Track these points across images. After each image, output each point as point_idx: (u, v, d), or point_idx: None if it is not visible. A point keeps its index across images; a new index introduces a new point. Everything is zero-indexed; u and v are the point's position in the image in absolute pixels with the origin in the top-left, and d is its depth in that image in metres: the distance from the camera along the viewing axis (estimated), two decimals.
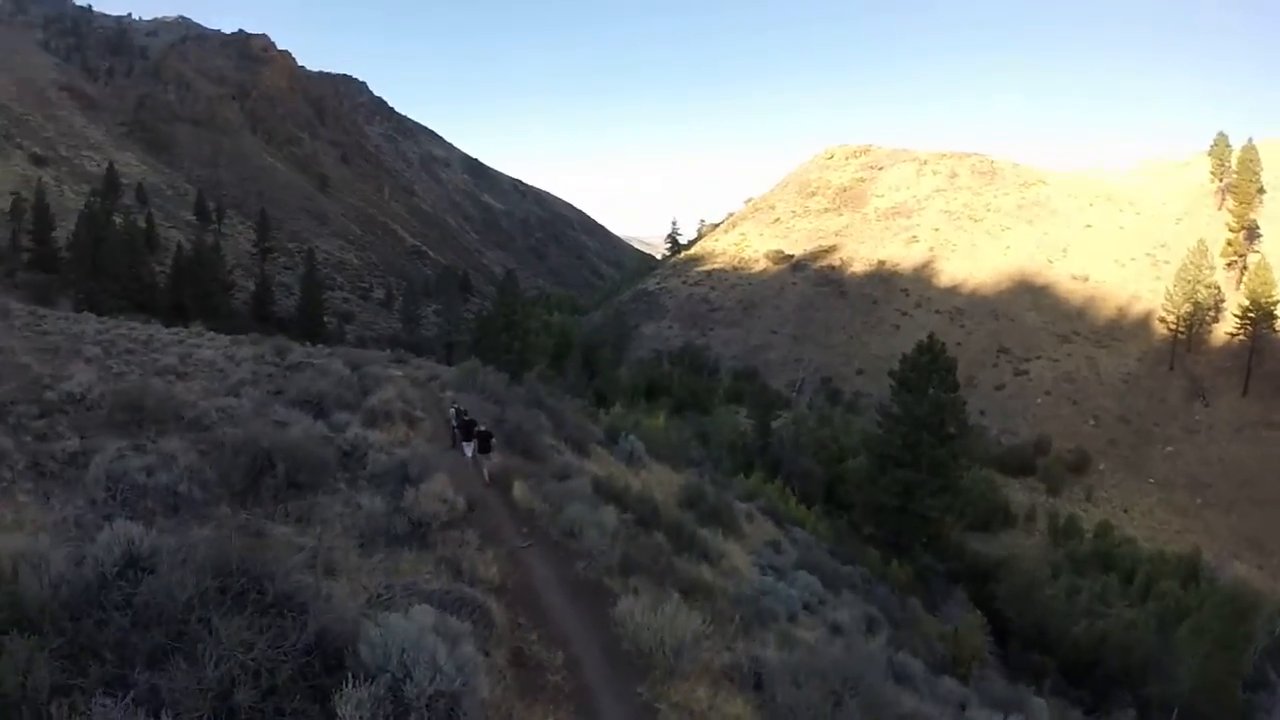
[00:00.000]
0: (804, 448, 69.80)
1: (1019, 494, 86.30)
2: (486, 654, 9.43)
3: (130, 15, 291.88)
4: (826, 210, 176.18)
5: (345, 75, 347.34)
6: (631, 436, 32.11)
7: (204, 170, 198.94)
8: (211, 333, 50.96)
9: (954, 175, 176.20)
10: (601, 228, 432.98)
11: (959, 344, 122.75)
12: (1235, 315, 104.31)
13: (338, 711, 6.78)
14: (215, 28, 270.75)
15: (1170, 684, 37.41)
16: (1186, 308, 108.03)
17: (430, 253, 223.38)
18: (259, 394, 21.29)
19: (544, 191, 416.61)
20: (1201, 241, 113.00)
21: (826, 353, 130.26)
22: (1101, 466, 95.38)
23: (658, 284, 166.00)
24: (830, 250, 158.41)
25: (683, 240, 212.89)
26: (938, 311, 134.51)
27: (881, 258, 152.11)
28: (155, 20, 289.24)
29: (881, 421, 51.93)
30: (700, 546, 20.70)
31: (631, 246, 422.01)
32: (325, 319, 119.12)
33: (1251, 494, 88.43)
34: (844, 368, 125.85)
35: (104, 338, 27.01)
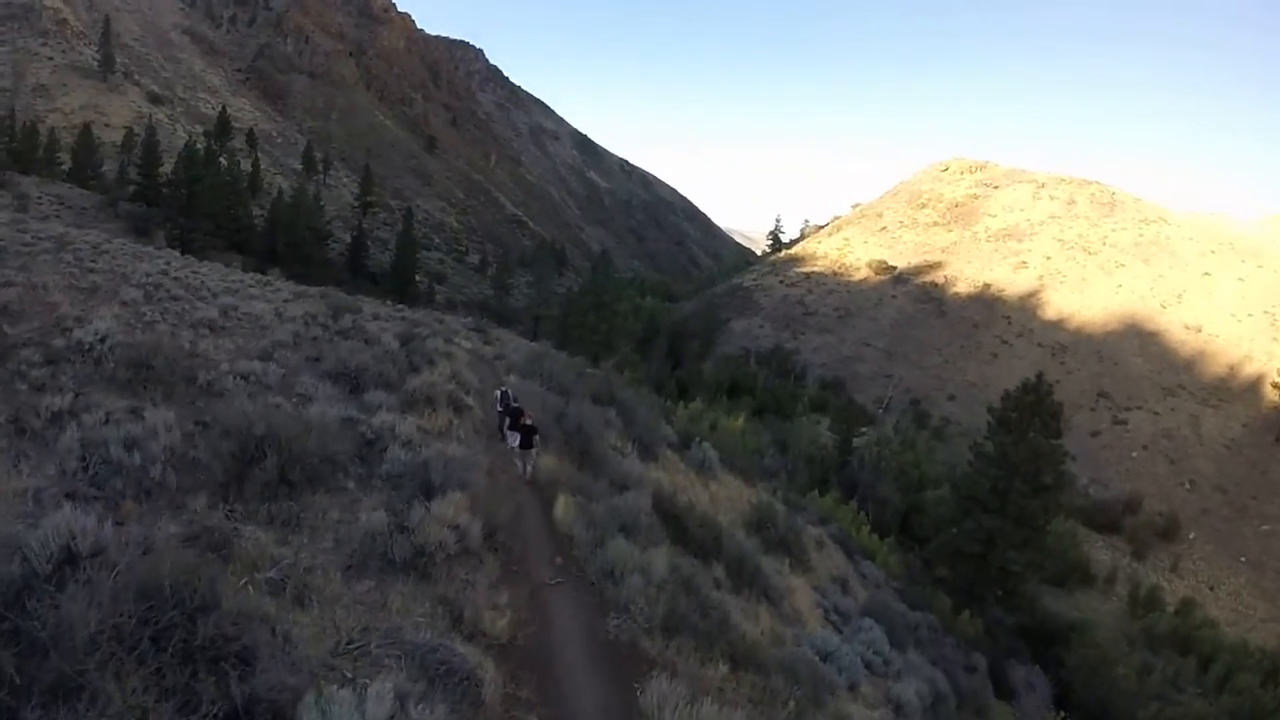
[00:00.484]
0: (884, 472, 66.63)
1: (1101, 552, 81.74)
2: None
3: None
4: (935, 224, 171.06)
5: (463, 41, 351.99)
6: (705, 444, 29.85)
7: (315, 122, 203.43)
8: (284, 282, 50.08)
9: (1071, 202, 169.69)
10: (704, 216, 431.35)
11: (1058, 382, 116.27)
12: None
13: None
14: None
15: None
16: None
17: (530, 223, 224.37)
18: (295, 359, 19.70)
19: (650, 174, 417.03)
20: None
21: (918, 372, 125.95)
22: (1191, 535, 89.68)
23: (754, 280, 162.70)
24: (935, 266, 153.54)
25: (785, 238, 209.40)
26: (1039, 344, 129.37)
27: (987, 280, 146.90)
28: None
29: (973, 460, 48.41)
30: (762, 584, 18.45)
31: (732, 239, 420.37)
32: (417, 278, 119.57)
33: None
34: (935, 391, 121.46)
35: (150, 280, 25.54)
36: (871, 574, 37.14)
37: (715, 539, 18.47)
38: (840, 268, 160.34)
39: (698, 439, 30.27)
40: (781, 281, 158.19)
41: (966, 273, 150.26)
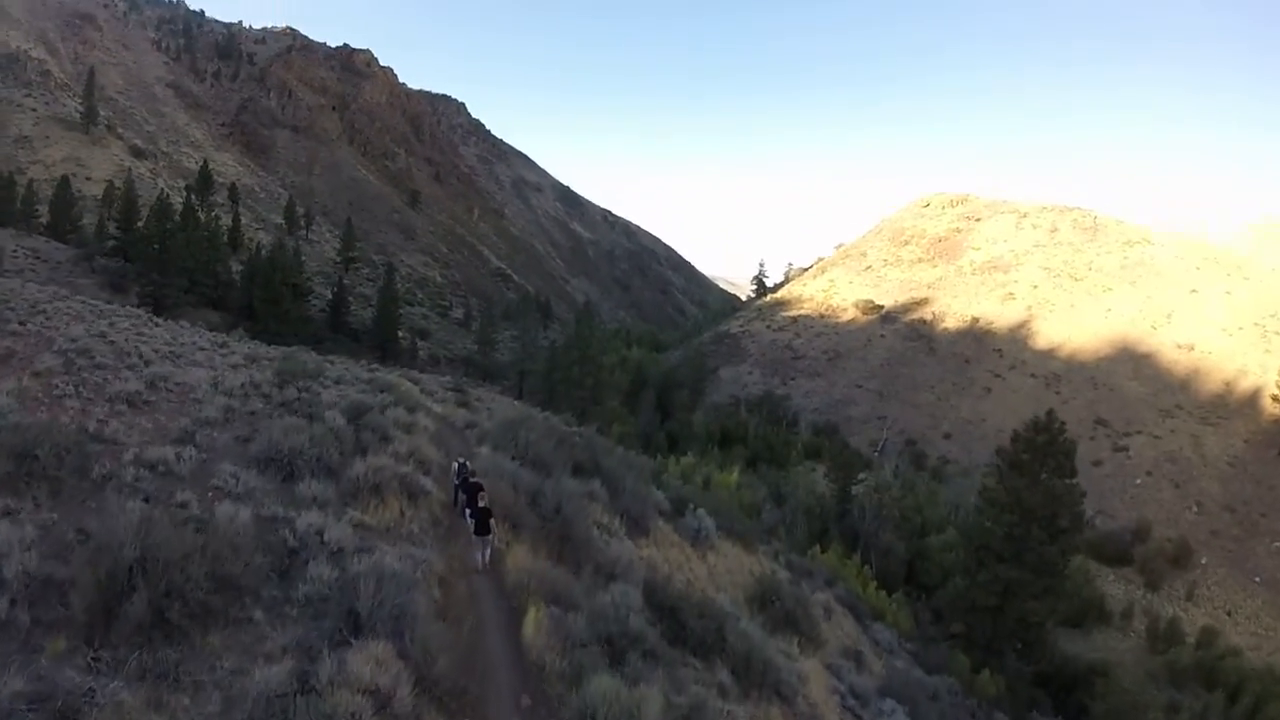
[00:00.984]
0: (886, 519, 64.13)
1: (1114, 586, 79.09)
2: None
3: (241, 22, 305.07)
4: (920, 260, 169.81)
5: (445, 95, 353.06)
6: (700, 511, 27.37)
7: (298, 176, 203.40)
8: (246, 342, 47.47)
9: (1054, 230, 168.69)
10: (688, 264, 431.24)
11: (1053, 411, 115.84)
12: None
13: None
14: (322, 40, 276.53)
15: None
16: None
17: (515, 276, 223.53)
18: (222, 441, 17.12)
19: (633, 224, 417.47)
20: None
21: (912, 412, 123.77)
22: (1204, 560, 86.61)
23: (740, 326, 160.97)
24: (922, 303, 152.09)
25: (769, 283, 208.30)
26: (1033, 375, 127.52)
27: (975, 314, 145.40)
28: (264, 29, 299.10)
29: (983, 507, 45.64)
30: (774, 679, 15.99)
31: (717, 285, 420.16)
32: (400, 334, 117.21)
33: None
34: (930, 430, 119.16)
35: (77, 345, 22.88)
36: (885, 638, 34.71)
37: (717, 631, 16.00)
38: (827, 309, 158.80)
39: (691, 506, 27.74)
40: (768, 326, 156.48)
41: (954, 307, 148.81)
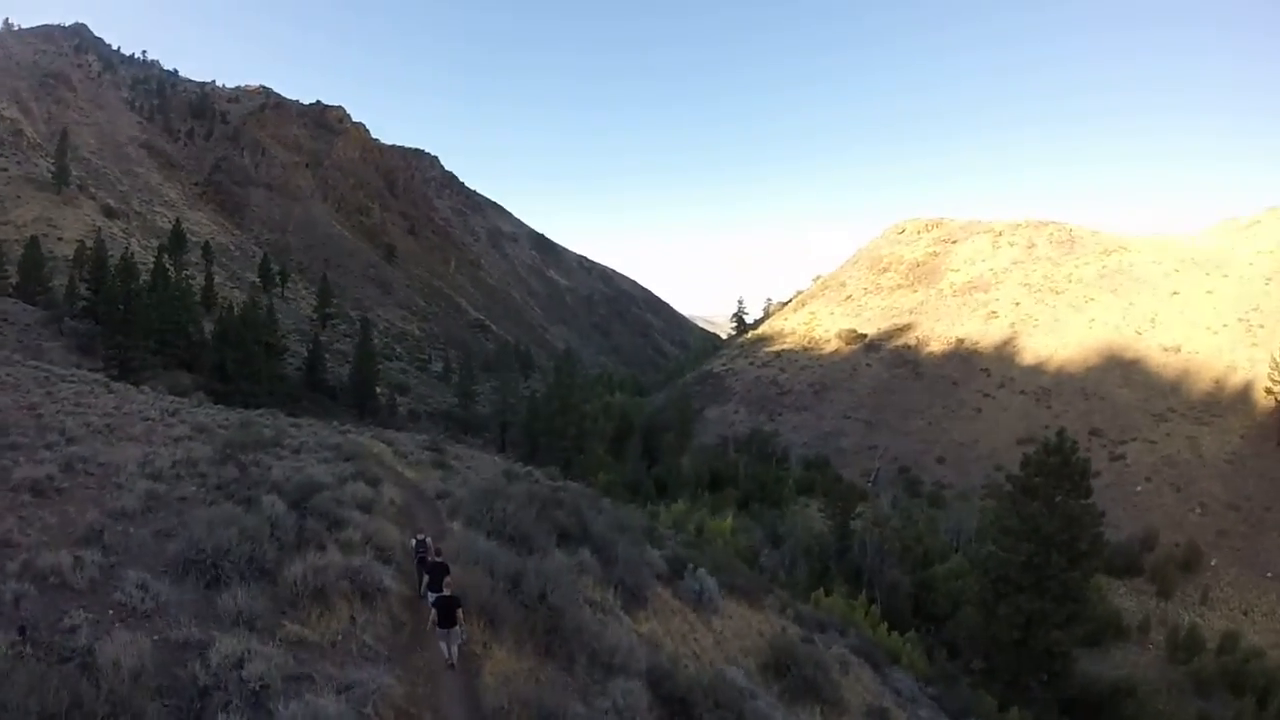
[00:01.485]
0: (888, 554, 61.90)
1: (1126, 599, 77.29)
2: None
3: (214, 82, 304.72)
4: (900, 286, 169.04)
5: (418, 149, 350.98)
6: (700, 571, 25.02)
7: (273, 234, 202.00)
8: (204, 408, 44.85)
9: (1031, 245, 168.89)
10: (666, 306, 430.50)
11: (1046, 427, 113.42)
12: None
13: None
14: (294, 98, 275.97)
15: None
16: None
17: (493, 327, 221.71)
18: (138, 538, 14.36)
19: (609, 268, 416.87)
20: None
21: (903, 439, 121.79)
22: (1213, 561, 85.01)
23: (724, 365, 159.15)
24: (905, 329, 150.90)
25: (749, 319, 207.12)
26: (1022, 392, 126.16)
27: (960, 335, 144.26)
28: (238, 88, 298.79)
29: (997, 536, 43.27)
30: None
31: (697, 325, 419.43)
32: (379, 390, 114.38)
33: None
34: (923, 455, 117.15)
35: None
36: (906, 687, 32.32)
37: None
38: (810, 342, 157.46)
39: (691, 566, 25.40)
40: (752, 363, 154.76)
41: (938, 331, 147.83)
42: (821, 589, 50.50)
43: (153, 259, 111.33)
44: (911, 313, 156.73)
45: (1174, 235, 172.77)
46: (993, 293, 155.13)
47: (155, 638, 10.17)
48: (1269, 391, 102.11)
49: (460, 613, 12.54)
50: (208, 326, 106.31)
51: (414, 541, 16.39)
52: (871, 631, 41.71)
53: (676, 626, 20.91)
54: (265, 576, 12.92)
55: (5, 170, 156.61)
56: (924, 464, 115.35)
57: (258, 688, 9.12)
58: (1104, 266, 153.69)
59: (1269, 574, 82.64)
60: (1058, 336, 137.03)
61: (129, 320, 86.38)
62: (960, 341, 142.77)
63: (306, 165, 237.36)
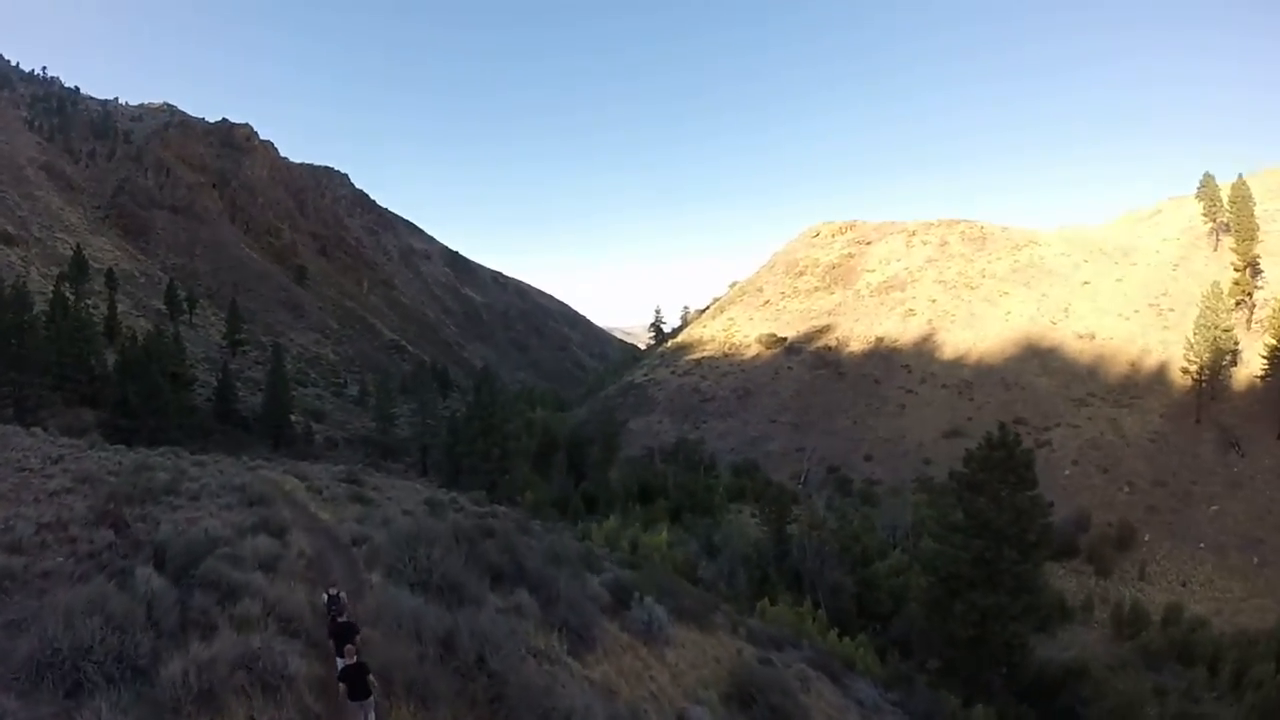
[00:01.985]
0: (828, 556, 60.71)
1: (1065, 580, 78.48)
2: None
3: (117, 99, 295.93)
4: (817, 289, 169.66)
5: (327, 167, 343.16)
6: (648, 600, 23.06)
7: (179, 258, 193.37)
8: (97, 450, 41.20)
9: (944, 244, 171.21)
10: (584, 319, 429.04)
11: (970, 419, 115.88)
12: (1263, 356, 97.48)
13: None
14: (200, 115, 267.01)
15: None
16: (1208, 355, 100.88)
17: (409, 347, 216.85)
18: None
19: (524, 283, 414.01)
20: (1216, 284, 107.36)
21: (830, 439, 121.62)
22: (1147, 537, 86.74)
23: (645, 375, 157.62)
24: (825, 330, 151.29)
25: (667, 328, 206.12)
26: (944, 386, 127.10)
27: (879, 334, 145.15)
28: (141, 106, 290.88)
29: (944, 534, 42.06)
30: None
31: (614, 337, 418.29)
32: (293, 418, 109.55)
33: None
34: (851, 454, 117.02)
35: None
36: (867, 695, 30.95)
37: None
38: (730, 348, 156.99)
39: (638, 594, 23.44)
40: (673, 372, 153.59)
41: (857, 331, 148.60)
42: (766, 599, 49.09)
43: (51, 289, 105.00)
44: (830, 314, 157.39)
45: (1081, 227, 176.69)
46: (909, 291, 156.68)
47: None
48: (1185, 371, 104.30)
49: (371, 679, 10.43)
50: (111, 358, 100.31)
51: (325, 598, 14.05)
52: (823, 639, 40.37)
53: (629, 665, 18.97)
54: (140, 676, 10.28)
55: None
56: (852, 463, 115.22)
57: None
58: (1016, 261, 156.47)
59: (1201, 545, 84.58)
60: (975, 330, 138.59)
61: (22, 355, 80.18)
62: (880, 340, 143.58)
63: (213, 185, 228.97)
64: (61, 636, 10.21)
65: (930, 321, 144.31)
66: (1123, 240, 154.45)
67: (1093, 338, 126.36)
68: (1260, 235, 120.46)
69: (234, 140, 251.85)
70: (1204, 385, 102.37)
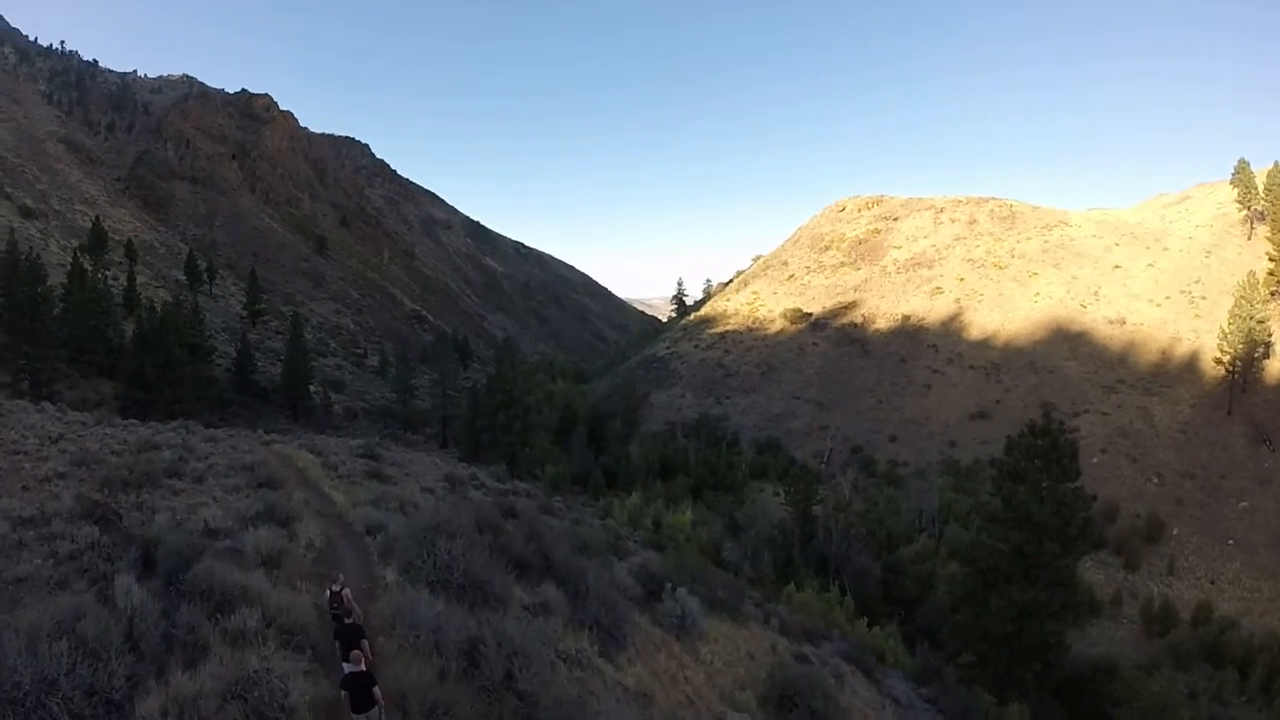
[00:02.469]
0: (855, 540, 59.44)
1: (1094, 572, 76.03)
2: None
3: (135, 72, 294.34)
4: (842, 265, 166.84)
5: (348, 137, 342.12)
6: (680, 592, 21.69)
7: (199, 229, 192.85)
8: (103, 426, 39.68)
9: (973, 221, 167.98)
10: (604, 290, 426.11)
11: (997, 401, 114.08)
12: None
13: None
14: (219, 87, 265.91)
15: None
16: (1241, 346, 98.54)
17: (430, 317, 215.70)
18: None
19: (545, 254, 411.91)
20: (1252, 273, 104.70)
21: (854, 418, 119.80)
22: (1175, 531, 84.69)
23: (668, 349, 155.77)
24: (850, 306, 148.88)
25: (690, 301, 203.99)
26: (971, 367, 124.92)
27: (905, 312, 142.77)
28: (160, 78, 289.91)
29: (983, 525, 40.38)
30: None
31: (635, 309, 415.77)
32: (312, 388, 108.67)
33: None
34: (875, 434, 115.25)
35: None
36: (901, 692, 29.82)
37: None
38: (754, 322, 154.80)
39: (669, 585, 22.07)
40: (696, 346, 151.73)
41: (883, 308, 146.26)
42: (792, 584, 47.87)
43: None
44: (856, 290, 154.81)
45: (1110, 210, 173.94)
46: (936, 269, 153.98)
47: None
48: (1218, 361, 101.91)
49: (378, 690, 9.11)
50: (130, 330, 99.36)
51: (328, 594, 12.70)
52: (850, 627, 39.17)
53: (663, 665, 17.66)
54: (115, 711, 8.80)
55: None
56: (876, 443, 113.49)
57: None
58: (1046, 241, 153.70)
59: (1230, 541, 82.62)
60: (1003, 311, 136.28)
61: (37, 328, 78.88)
62: (906, 318, 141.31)
63: (233, 157, 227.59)
64: (24, 667, 8.71)
65: (958, 300, 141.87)
66: (1154, 225, 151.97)
67: (1123, 323, 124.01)
68: None
69: (254, 111, 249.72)
70: (1236, 377, 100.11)
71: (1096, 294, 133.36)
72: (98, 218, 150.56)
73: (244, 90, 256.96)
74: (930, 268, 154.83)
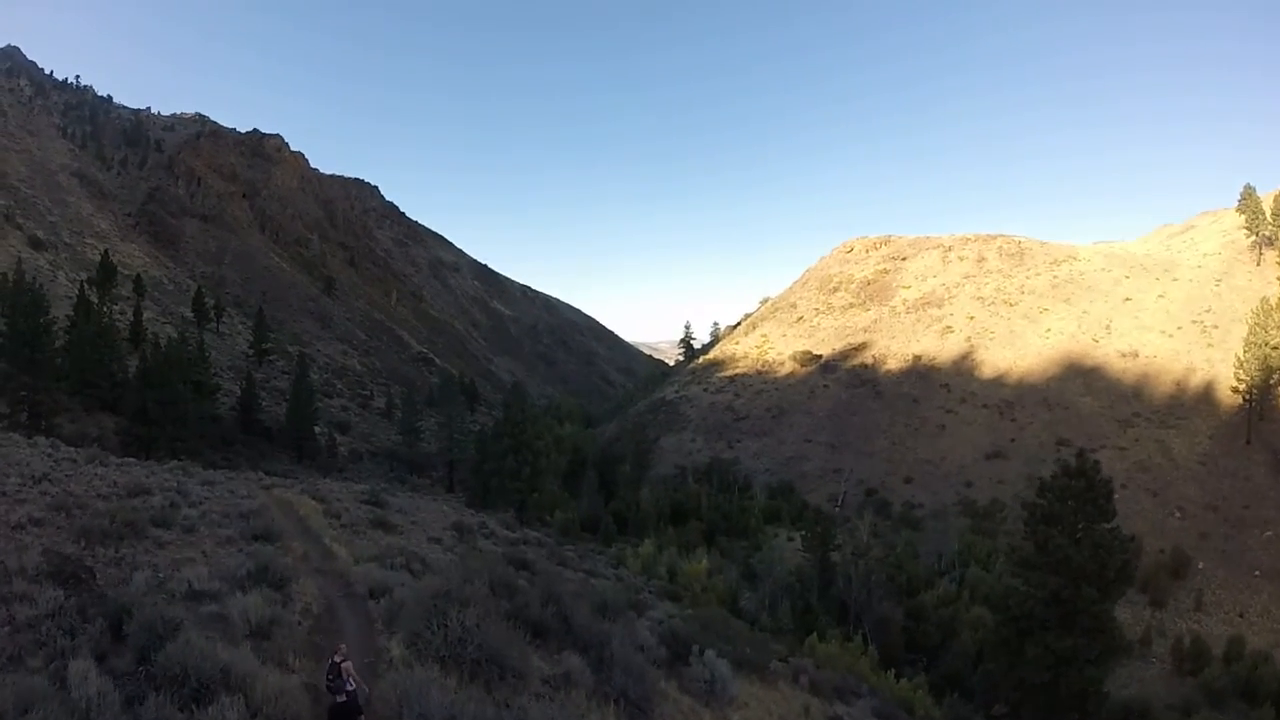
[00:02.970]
0: (875, 586, 57.74)
1: (1121, 610, 73.71)
2: None
3: (149, 108, 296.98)
4: (852, 305, 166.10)
5: (358, 179, 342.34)
6: (708, 654, 20.16)
7: (208, 267, 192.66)
8: (94, 465, 37.78)
9: (981, 259, 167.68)
10: (610, 333, 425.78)
11: (1012, 440, 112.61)
12: None
13: None
14: (231, 126, 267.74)
15: None
16: (1258, 374, 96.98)
17: (437, 360, 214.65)
18: None
19: (552, 297, 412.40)
20: (1265, 300, 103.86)
21: (868, 460, 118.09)
22: (1200, 565, 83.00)
23: (676, 392, 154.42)
24: (860, 348, 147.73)
25: (697, 344, 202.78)
26: (985, 406, 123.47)
27: (916, 352, 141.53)
28: (173, 115, 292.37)
29: (1016, 570, 38.67)
30: None
31: (641, 352, 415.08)
32: (317, 429, 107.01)
33: None
34: (889, 476, 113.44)
35: None
36: None
37: None
38: (764, 365, 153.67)
39: (696, 648, 20.53)
40: (705, 389, 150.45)
41: (894, 348, 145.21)
42: (814, 634, 46.11)
43: (58, 292, 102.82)
44: (866, 331, 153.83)
45: (1118, 243, 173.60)
46: (946, 308, 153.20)
47: None
48: (1234, 390, 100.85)
49: None
50: (134, 365, 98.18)
51: (329, 664, 10.93)
52: (878, 679, 37.47)
53: None
54: None
55: None
56: (891, 485, 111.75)
57: None
58: (1055, 276, 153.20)
59: (1256, 572, 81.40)
60: (1015, 348, 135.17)
61: (37, 360, 77.41)
62: (918, 358, 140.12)
63: (243, 195, 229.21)
64: None
65: (969, 339, 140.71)
66: (1162, 256, 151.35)
67: (1136, 356, 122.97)
68: None
69: (264, 150, 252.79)
70: (1253, 405, 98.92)
71: (1108, 327, 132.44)
72: (107, 251, 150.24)
73: (255, 130, 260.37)
74: (940, 307, 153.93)
